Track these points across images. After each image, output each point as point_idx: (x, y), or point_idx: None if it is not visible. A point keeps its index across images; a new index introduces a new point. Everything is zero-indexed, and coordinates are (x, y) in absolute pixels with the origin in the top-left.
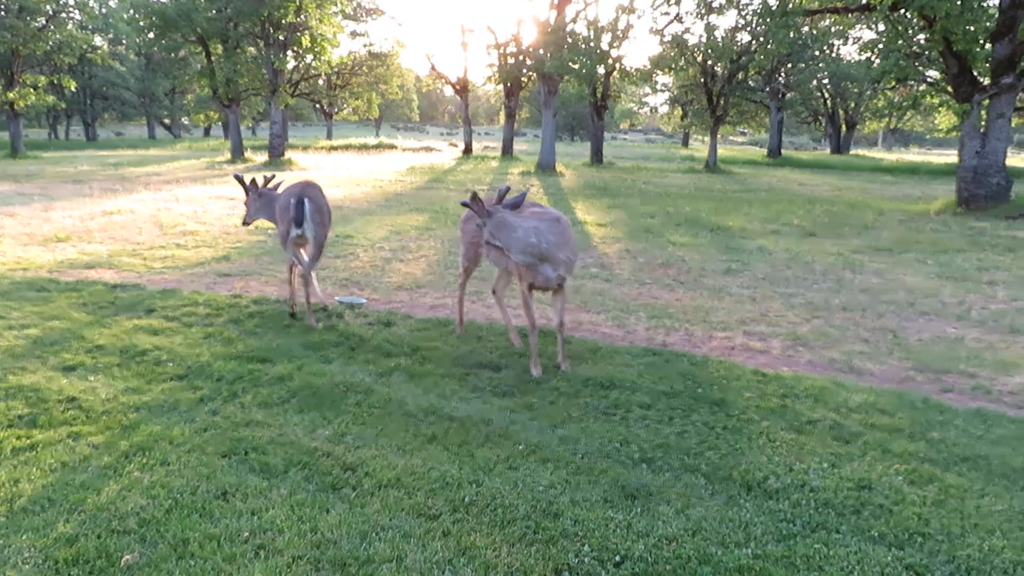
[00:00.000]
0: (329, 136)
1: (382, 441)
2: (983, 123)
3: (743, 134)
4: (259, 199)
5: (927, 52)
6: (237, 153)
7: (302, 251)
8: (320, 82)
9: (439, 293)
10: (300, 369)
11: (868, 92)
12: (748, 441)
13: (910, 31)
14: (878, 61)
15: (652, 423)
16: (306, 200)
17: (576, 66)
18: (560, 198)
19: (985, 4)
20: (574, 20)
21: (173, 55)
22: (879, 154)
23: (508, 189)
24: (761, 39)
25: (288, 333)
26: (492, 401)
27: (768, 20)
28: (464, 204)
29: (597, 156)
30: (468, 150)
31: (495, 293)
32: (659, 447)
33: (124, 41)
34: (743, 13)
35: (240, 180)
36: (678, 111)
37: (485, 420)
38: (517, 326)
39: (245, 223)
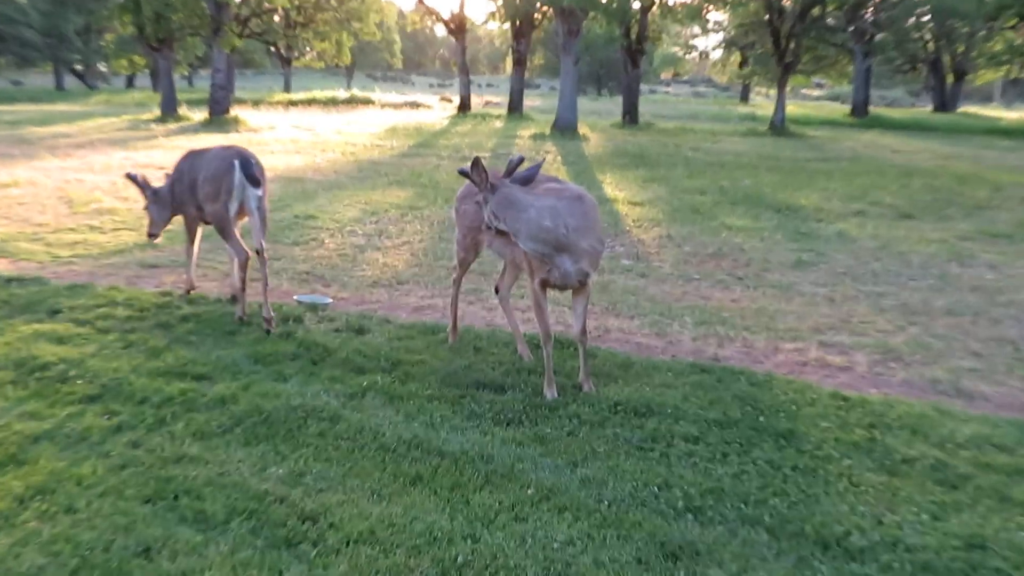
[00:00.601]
0: (287, 88)
1: (351, 483)
2: None
3: (819, 86)
4: (158, 199)
5: None
6: (169, 109)
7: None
8: (276, 19)
9: (426, 291)
10: (247, 389)
11: (982, 32)
12: (825, 485)
13: None
14: None
15: (700, 461)
16: (251, 158)
17: None
18: (583, 169)
19: None
20: None
21: None
22: (996, 112)
23: (521, 160)
24: None
25: (232, 342)
26: (493, 431)
27: None
28: (462, 173)
29: (631, 115)
30: (465, 106)
31: (499, 292)
32: (709, 492)
33: None
34: None
35: (133, 179)
36: (735, 57)
37: (484, 456)
38: (526, 334)
39: (152, 236)
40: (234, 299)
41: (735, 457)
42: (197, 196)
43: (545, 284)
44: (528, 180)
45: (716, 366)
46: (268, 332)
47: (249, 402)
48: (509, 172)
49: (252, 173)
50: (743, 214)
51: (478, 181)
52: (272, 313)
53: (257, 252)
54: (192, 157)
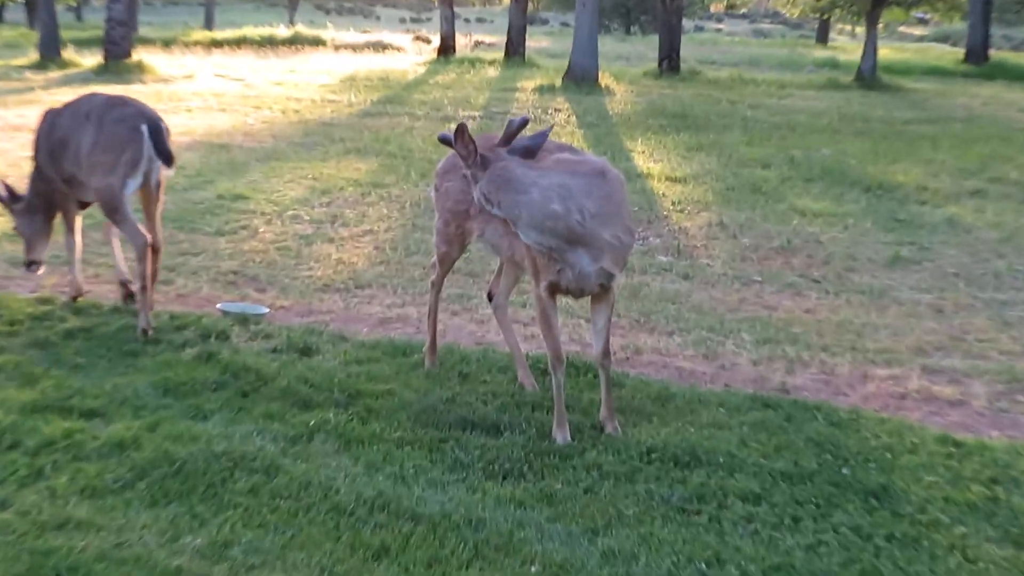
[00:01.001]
0: (208, 24)
1: (294, 557)
2: None
3: (922, 22)
4: (29, 209)
5: None
6: (50, 52)
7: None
8: None
9: (395, 297)
10: (153, 430)
11: None
12: (932, 561)
13: None
14: None
15: (763, 528)
16: (161, 122)
17: None
18: (605, 133)
19: None
20: None
21: None
22: None
23: (525, 122)
24: None
25: (133, 366)
26: (485, 487)
27: None
28: (443, 141)
29: (670, 61)
30: (447, 49)
31: (493, 299)
32: (775, 571)
33: None
34: None
35: None
36: None
37: (473, 521)
38: (530, 355)
39: (33, 266)
40: (128, 295)
41: (810, 523)
42: (67, 165)
43: (555, 289)
44: (532, 150)
45: (784, 399)
46: (145, 334)
47: (156, 448)
48: (507, 139)
49: (166, 146)
50: (821, 194)
51: (464, 152)
52: (151, 322)
53: (153, 248)
54: (57, 116)
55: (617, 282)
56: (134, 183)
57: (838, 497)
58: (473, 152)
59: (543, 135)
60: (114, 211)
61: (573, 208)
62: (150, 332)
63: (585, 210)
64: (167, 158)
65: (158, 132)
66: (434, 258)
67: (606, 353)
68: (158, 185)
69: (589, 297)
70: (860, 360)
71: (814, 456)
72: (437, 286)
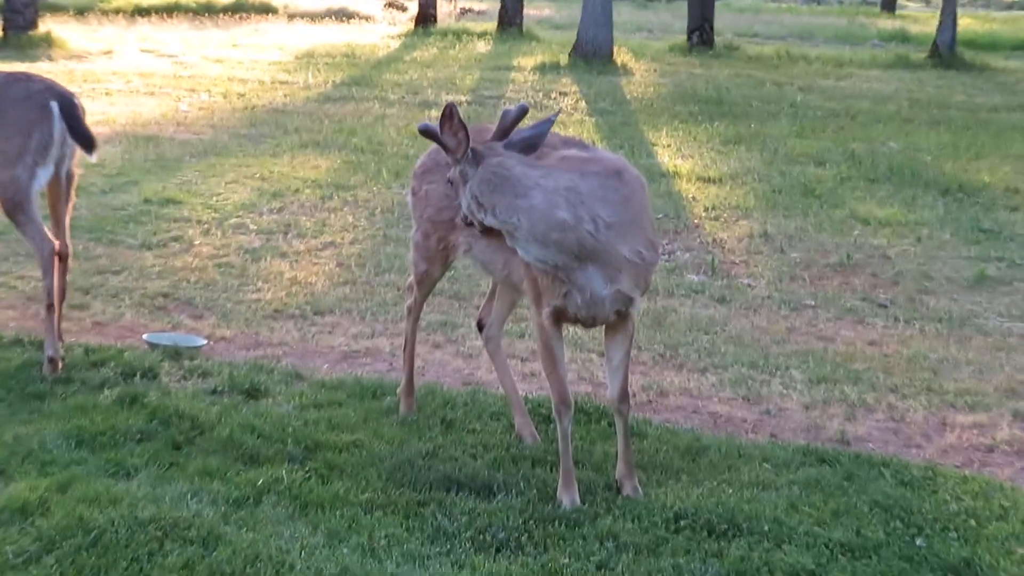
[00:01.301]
0: None
1: None
2: None
3: None
4: None
5: None
6: None
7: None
8: None
9: (362, 325)
10: (65, 491)
11: None
12: None
13: None
14: None
15: None
16: (74, 98)
17: None
18: (622, 123)
19: None
20: None
21: None
22: None
23: (525, 110)
24: None
25: (40, 411)
26: (474, 562)
27: None
28: (424, 133)
29: (702, 33)
30: (427, 18)
31: (484, 329)
32: None
33: None
34: None
35: None
36: None
37: None
38: (529, 398)
39: None
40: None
41: None
42: None
43: (560, 317)
44: (533, 144)
45: (843, 453)
46: (53, 364)
47: (68, 513)
48: (503, 133)
49: (83, 127)
50: (887, 198)
51: (452, 143)
52: (60, 352)
53: (60, 256)
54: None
55: (637, 308)
56: (45, 174)
57: (911, 575)
58: (463, 143)
59: (546, 125)
60: (18, 209)
61: (584, 216)
62: (60, 365)
63: (599, 219)
64: (86, 141)
65: (71, 110)
66: (411, 278)
67: (624, 396)
68: (70, 178)
69: (603, 327)
70: (937, 404)
71: (880, 524)
72: (415, 312)
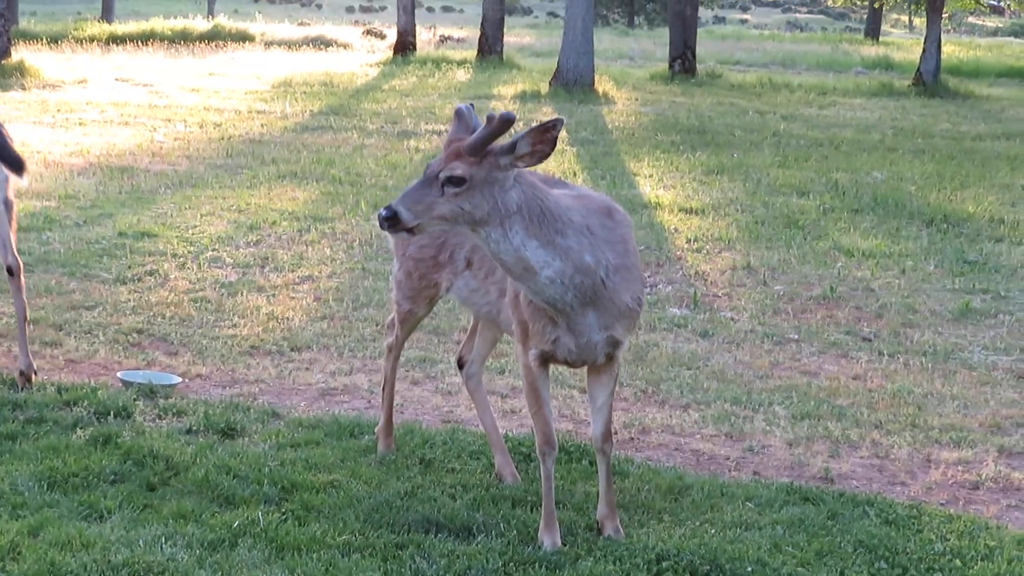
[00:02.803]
0: (107, 15)
1: None
2: None
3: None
4: None
5: None
6: None
7: None
8: None
9: (340, 362)
10: (36, 534)
11: None
12: None
13: None
14: None
15: None
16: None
17: None
18: (603, 153)
19: None
20: None
21: None
22: None
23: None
24: None
25: (10, 451)
26: None
27: None
28: (504, 120)
29: (684, 61)
30: (406, 46)
31: (463, 367)
32: None
33: None
34: None
35: None
36: None
37: None
38: (510, 436)
39: None
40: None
41: None
42: None
43: (548, 360)
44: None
45: (827, 491)
46: (23, 388)
47: (40, 558)
48: (480, 146)
49: (9, 149)
50: (871, 229)
51: (523, 150)
52: (32, 364)
53: (8, 270)
54: None
55: (624, 350)
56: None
57: None
58: (529, 158)
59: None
60: None
61: (600, 260)
62: (33, 380)
63: (608, 264)
64: (14, 164)
65: None
66: (392, 316)
67: (607, 436)
68: (8, 206)
69: (587, 368)
70: (922, 440)
71: (865, 564)
72: (395, 351)
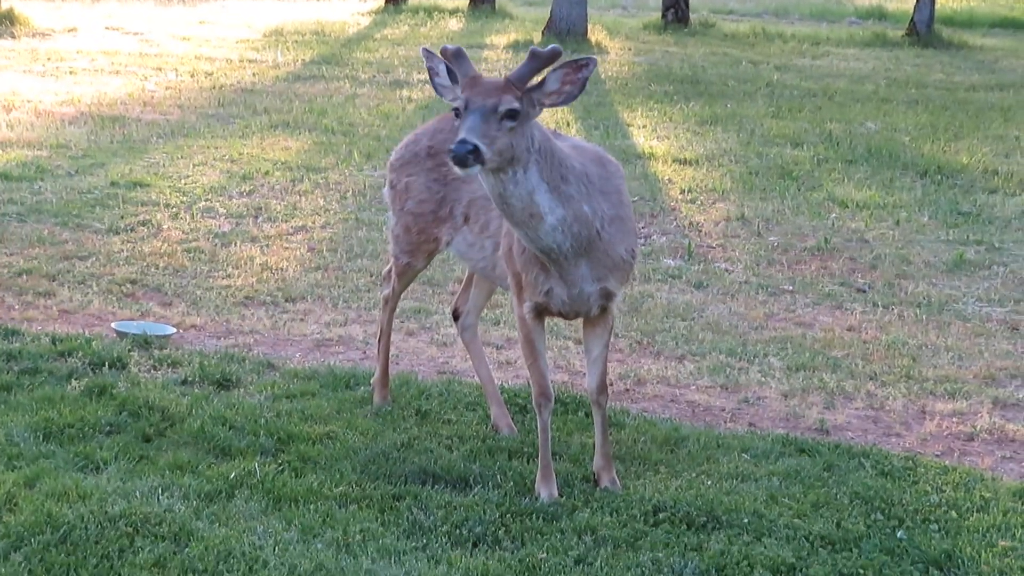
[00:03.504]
0: None
1: None
2: None
3: None
4: None
5: None
6: None
7: None
8: None
9: (334, 313)
10: (32, 485)
11: None
12: None
13: None
14: None
15: None
16: None
17: None
18: (596, 104)
19: None
20: None
21: None
22: None
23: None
24: None
25: (6, 402)
26: (451, 558)
27: None
28: (552, 53)
29: (676, 11)
30: None
31: (459, 319)
32: None
33: None
34: None
35: None
36: None
37: None
38: (505, 387)
39: None
40: None
41: None
42: None
43: (543, 311)
44: None
45: (823, 443)
46: None
47: (36, 509)
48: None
49: None
50: (865, 180)
51: (552, 87)
52: None
53: None
54: None
55: (618, 301)
56: None
57: (892, 568)
58: (557, 98)
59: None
60: None
61: (598, 211)
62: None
63: (604, 214)
64: None
65: None
66: (389, 267)
67: (602, 388)
68: None
69: (581, 320)
70: (916, 392)
71: (861, 516)
72: (391, 303)
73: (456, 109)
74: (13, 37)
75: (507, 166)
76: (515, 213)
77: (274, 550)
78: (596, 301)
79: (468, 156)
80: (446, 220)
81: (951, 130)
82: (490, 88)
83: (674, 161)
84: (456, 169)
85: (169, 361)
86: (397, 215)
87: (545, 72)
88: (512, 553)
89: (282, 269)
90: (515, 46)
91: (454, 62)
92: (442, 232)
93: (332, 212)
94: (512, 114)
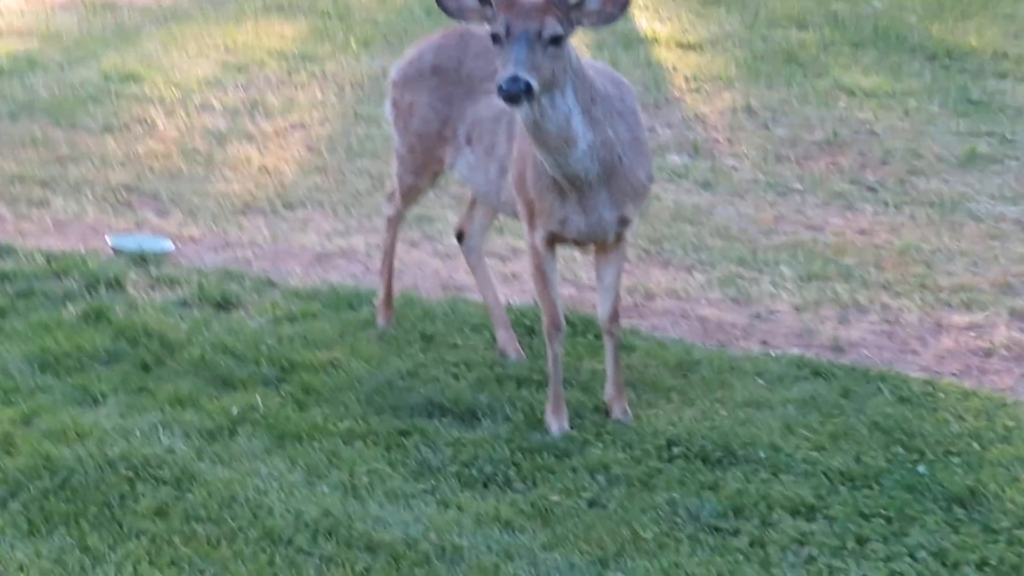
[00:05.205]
0: None
1: None
2: None
3: None
4: None
5: None
6: None
7: None
8: None
9: (335, 222)
10: (28, 422)
11: None
12: None
13: None
14: None
15: (821, 554)
16: None
17: None
18: None
19: None
20: None
21: None
22: None
23: None
24: None
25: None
26: (460, 500)
27: None
28: None
29: None
30: None
31: (463, 241)
32: None
33: None
34: None
35: None
36: None
37: (446, 549)
38: (512, 307)
39: None
40: None
41: (879, 545)
42: None
43: (556, 239)
44: None
45: (838, 366)
46: None
47: (33, 450)
48: None
49: None
50: (872, 65)
51: (594, 6)
52: None
53: None
54: None
55: (634, 229)
56: None
57: (914, 507)
58: (601, 16)
59: None
60: None
61: (620, 134)
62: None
63: (624, 139)
64: None
65: None
66: (392, 187)
67: (615, 316)
68: None
69: (595, 247)
70: (931, 302)
71: (881, 448)
72: (395, 223)
73: (496, 35)
74: None
75: (544, 91)
76: (549, 139)
77: (279, 495)
78: (613, 228)
79: (521, 95)
80: (450, 140)
81: (958, 8)
82: (531, 10)
83: (677, 46)
84: (505, 105)
85: (167, 280)
86: (401, 134)
87: None
88: (524, 496)
89: (280, 171)
90: None
91: None
92: (446, 153)
93: (330, 106)
94: (557, 39)
